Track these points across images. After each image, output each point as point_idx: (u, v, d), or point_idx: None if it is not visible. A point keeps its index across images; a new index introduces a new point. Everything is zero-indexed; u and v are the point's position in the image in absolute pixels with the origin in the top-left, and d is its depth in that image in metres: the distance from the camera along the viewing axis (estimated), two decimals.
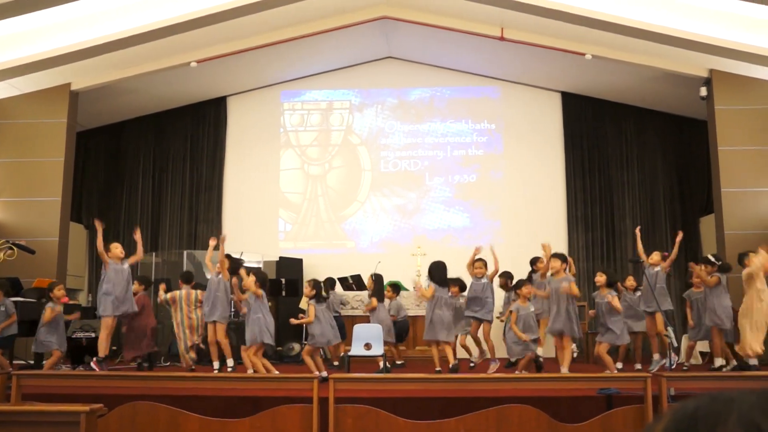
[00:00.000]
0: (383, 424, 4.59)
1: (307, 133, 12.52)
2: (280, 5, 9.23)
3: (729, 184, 9.63)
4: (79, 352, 8.37)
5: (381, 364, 7.60)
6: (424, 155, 12.24)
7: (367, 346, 7.50)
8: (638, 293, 8.04)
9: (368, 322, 8.10)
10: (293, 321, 7.54)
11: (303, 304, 9.39)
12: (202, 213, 12.26)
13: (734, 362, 7.55)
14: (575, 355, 8.21)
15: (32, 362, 7.97)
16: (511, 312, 7.27)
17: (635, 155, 12.01)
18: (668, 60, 9.87)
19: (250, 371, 6.87)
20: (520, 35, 10.06)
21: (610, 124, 12.12)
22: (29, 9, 8.43)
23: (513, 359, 7.60)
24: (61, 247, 9.93)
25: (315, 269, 10.88)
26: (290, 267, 11.09)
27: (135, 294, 7.87)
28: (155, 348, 8.30)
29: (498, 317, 8.55)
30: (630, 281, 8.21)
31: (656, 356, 7.56)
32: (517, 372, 7.00)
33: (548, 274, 7.36)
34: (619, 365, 7.70)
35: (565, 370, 7.05)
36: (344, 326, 8.80)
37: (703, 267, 7.63)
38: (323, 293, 7.37)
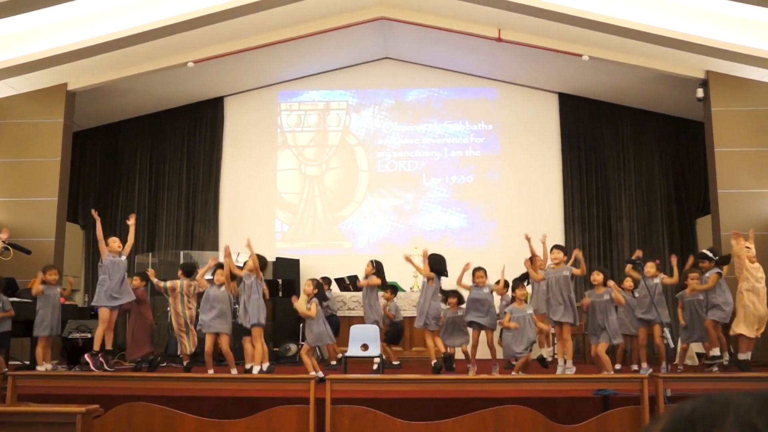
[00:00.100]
0: (380, 424, 4.59)
1: (304, 134, 12.52)
2: (278, 6, 9.22)
3: (725, 186, 9.65)
4: (76, 352, 8.35)
5: (377, 361, 7.58)
6: (421, 156, 12.25)
7: (364, 347, 7.50)
8: (636, 295, 8.04)
9: (364, 323, 8.11)
10: (295, 301, 7.53)
11: (300, 305, 9.38)
12: (199, 213, 12.25)
13: (726, 355, 7.61)
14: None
15: (28, 362, 7.95)
16: (505, 313, 7.29)
17: (632, 156, 12.03)
18: (665, 61, 9.90)
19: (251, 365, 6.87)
20: (517, 36, 10.08)
21: (607, 125, 12.14)
22: (26, 8, 8.41)
23: (513, 361, 7.61)
24: (57, 248, 9.91)
25: (312, 270, 10.88)
26: (287, 267, 11.08)
27: (136, 289, 7.93)
28: (155, 352, 8.25)
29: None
30: (628, 282, 8.22)
31: (644, 365, 7.56)
32: (513, 373, 7.00)
33: (548, 264, 7.40)
34: (618, 366, 7.73)
35: (569, 363, 7.06)
36: (339, 326, 8.82)
37: (697, 275, 7.70)
38: (324, 293, 7.42)
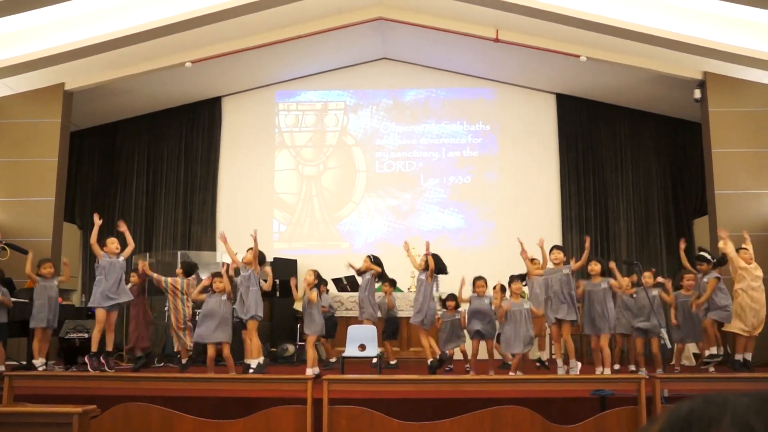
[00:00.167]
0: (377, 425, 4.59)
1: (301, 134, 12.51)
2: (276, 6, 9.21)
3: (723, 186, 9.67)
4: (72, 352, 8.34)
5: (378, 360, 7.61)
6: (418, 156, 12.25)
7: (362, 347, 7.50)
8: (634, 296, 8.04)
9: (361, 323, 8.13)
10: (293, 282, 7.59)
11: (297, 305, 9.39)
12: (197, 213, 12.25)
13: (722, 349, 7.63)
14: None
15: (25, 363, 7.94)
16: (501, 307, 7.31)
17: (629, 157, 12.05)
18: (662, 62, 9.91)
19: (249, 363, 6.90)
20: (515, 37, 10.08)
21: (605, 126, 12.16)
22: (23, 8, 8.40)
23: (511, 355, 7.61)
24: (54, 248, 9.89)
25: (303, 271, 10.85)
26: (284, 268, 11.06)
27: (133, 286, 7.96)
28: (150, 347, 8.30)
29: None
30: (625, 282, 8.22)
31: (643, 370, 7.57)
32: (511, 373, 7.01)
33: (548, 265, 7.42)
34: (616, 366, 7.73)
35: (573, 362, 7.07)
36: (336, 326, 8.83)
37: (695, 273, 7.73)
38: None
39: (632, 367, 7.84)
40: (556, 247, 7.44)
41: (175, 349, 7.91)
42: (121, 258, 7.44)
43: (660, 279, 8.12)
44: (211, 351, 7.21)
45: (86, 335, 8.19)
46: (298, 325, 9.58)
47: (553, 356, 7.97)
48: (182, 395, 5.28)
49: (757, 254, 8.30)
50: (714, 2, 8.58)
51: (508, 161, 12.11)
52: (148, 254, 11.29)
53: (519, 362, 7.11)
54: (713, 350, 7.53)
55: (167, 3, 9.05)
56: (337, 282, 10.13)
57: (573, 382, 5.77)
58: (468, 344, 8.32)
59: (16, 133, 10.11)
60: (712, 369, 7.48)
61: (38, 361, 7.54)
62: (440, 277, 7.90)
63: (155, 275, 8.10)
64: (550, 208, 11.94)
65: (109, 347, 7.26)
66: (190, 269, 8.38)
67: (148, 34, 9.25)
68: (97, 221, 7.41)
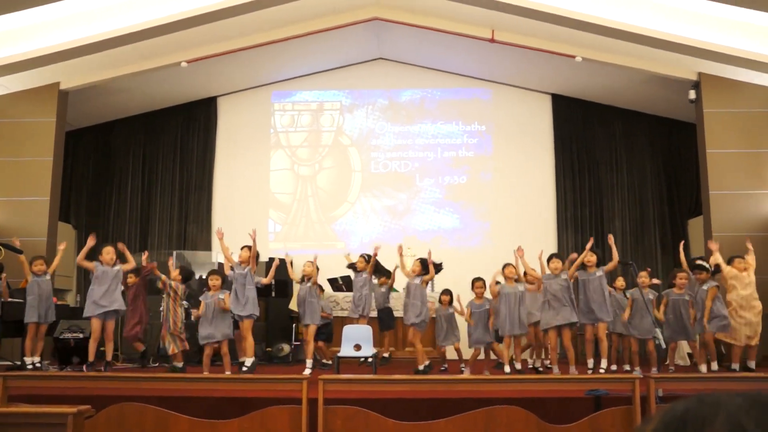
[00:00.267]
0: (372, 425, 4.59)
1: (297, 134, 12.51)
2: (271, 6, 9.21)
3: (717, 187, 9.70)
4: (67, 352, 8.32)
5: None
6: (414, 156, 12.25)
7: (357, 347, 7.50)
8: (627, 296, 8.05)
9: (356, 323, 8.13)
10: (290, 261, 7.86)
11: (292, 305, 9.39)
12: (192, 213, 12.22)
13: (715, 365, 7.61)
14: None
15: (18, 363, 7.92)
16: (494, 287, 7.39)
17: (624, 158, 12.07)
18: (657, 63, 9.93)
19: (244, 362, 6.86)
20: (511, 37, 10.09)
21: (600, 127, 12.18)
22: (18, 7, 8.38)
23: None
24: (49, 247, 9.86)
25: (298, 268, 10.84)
26: (280, 268, 11.02)
27: (131, 287, 7.95)
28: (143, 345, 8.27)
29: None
30: (620, 282, 8.24)
31: (637, 369, 7.59)
32: (506, 370, 7.01)
33: (547, 273, 7.42)
34: (613, 367, 7.74)
35: (573, 369, 7.07)
36: (332, 331, 8.82)
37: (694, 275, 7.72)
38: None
39: (627, 367, 7.86)
40: (555, 256, 7.44)
41: (170, 353, 7.85)
42: (116, 268, 7.38)
43: (655, 281, 8.14)
44: (208, 349, 7.24)
45: (81, 335, 8.16)
46: (294, 325, 9.58)
47: (549, 364, 7.96)
48: (178, 395, 5.28)
49: (754, 253, 8.33)
50: (709, 3, 8.61)
51: (504, 161, 12.12)
52: (143, 254, 11.26)
53: (526, 345, 7.17)
54: (714, 366, 7.54)
55: (163, 2, 9.04)
56: (333, 282, 10.12)
57: (568, 382, 5.78)
58: (464, 344, 8.32)
59: (10, 133, 10.09)
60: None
61: (29, 359, 7.50)
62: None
63: (163, 277, 8.04)
64: (546, 208, 11.96)
65: (108, 356, 7.22)
66: (188, 277, 8.35)
67: (144, 34, 9.23)
68: (91, 242, 7.38)
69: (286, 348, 9.35)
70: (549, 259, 7.43)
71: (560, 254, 7.58)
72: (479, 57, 11.32)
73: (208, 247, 11.84)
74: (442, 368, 8.29)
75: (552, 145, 12.11)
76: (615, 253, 7.40)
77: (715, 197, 9.69)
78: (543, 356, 8.38)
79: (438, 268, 7.96)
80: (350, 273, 9.08)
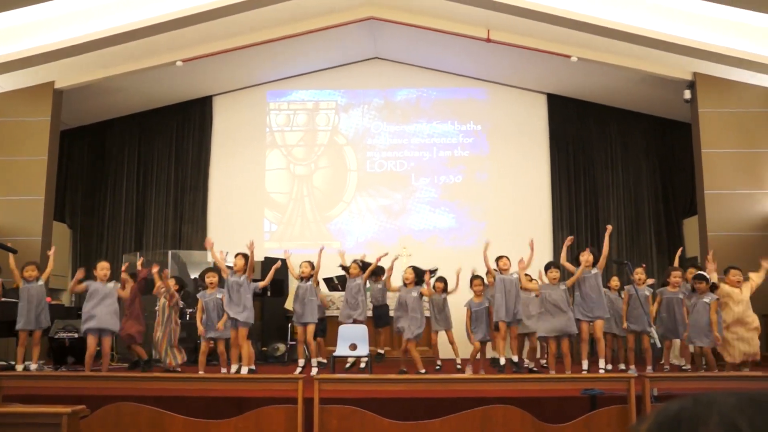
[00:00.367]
0: (368, 424, 4.59)
1: (293, 133, 12.50)
2: (267, 5, 9.19)
3: (712, 186, 9.72)
4: (62, 352, 8.30)
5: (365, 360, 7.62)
6: (410, 156, 12.25)
7: (353, 346, 7.50)
8: (622, 296, 8.05)
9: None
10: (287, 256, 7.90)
11: (288, 304, 9.38)
12: (187, 213, 12.21)
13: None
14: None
15: (13, 363, 7.89)
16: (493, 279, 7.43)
17: (620, 157, 12.09)
18: (653, 63, 9.95)
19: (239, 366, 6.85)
20: (506, 37, 10.10)
21: (595, 126, 12.20)
22: (13, 5, 8.35)
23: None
24: (44, 247, 9.81)
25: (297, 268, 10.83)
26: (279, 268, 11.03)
27: (126, 284, 7.94)
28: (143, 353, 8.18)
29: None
30: (614, 282, 8.25)
31: (632, 367, 7.59)
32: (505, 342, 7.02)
33: (545, 282, 7.42)
34: (609, 366, 7.74)
35: (568, 371, 7.07)
36: (326, 321, 8.83)
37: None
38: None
39: (622, 366, 7.88)
40: (553, 265, 7.41)
41: (169, 365, 7.79)
42: (110, 285, 7.33)
43: (650, 280, 8.15)
44: (204, 346, 7.27)
45: (76, 335, 8.15)
46: (289, 325, 9.57)
47: (545, 363, 7.98)
48: (173, 395, 5.27)
49: (747, 254, 8.34)
50: (704, 4, 8.63)
51: (499, 161, 12.13)
52: (138, 253, 11.24)
53: (506, 333, 7.21)
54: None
55: (158, 2, 9.02)
56: (328, 281, 10.11)
57: (563, 381, 5.79)
58: (463, 343, 8.28)
59: (5, 132, 10.06)
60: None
61: (20, 367, 7.44)
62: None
63: (159, 282, 7.97)
64: (541, 207, 11.97)
65: (104, 369, 7.16)
66: (183, 285, 8.31)
67: (139, 33, 9.21)
68: (79, 275, 7.42)
69: (282, 347, 9.35)
70: (547, 269, 7.40)
71: (558, 263, 7.51)
72: (475, 56, 11.33)
73: (203, 246, 11.79)
74: (437, 367, 8.29)
75: (547, 145, 12.13)
76: (606, 245, 7.38)
77: (710, 197, 9.71)
78: (539, 356, 8.39)
79: (432, 273, 8.01)
80: (344, 272, 9.06)
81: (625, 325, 7.75)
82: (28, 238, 9.62)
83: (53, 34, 9.14)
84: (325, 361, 8.41)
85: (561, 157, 12.07)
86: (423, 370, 7.45)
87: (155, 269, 7.89)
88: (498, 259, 7.61)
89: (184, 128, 12.48)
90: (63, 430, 3.64)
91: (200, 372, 7.20)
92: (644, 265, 8.19)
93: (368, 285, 8.52)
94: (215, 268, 7.59)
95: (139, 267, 8.23)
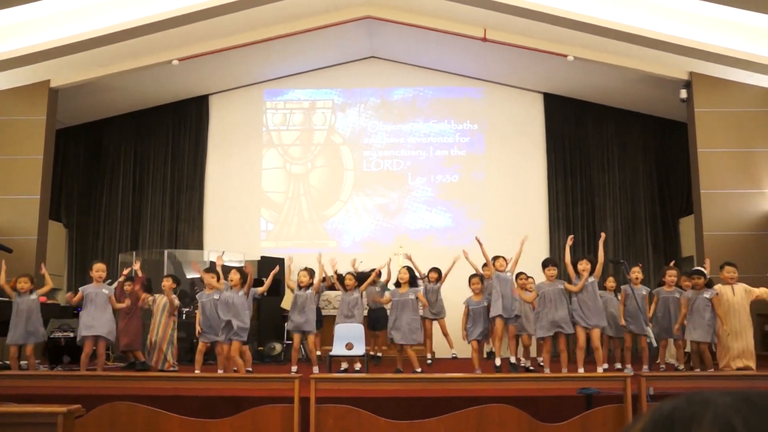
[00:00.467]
0: (364, 423, 4.58)
1: (289, 133, 12.48)
2: (264, 4, 9.19)
3: (708, 186, 9.74)
4: (58, 351, 8.28)
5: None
6: (406, 155, 12.25)
7: (349, 345, 7.49)
8: (618, 297, 8.04)
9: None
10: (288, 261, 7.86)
11: (284, 303, 9.37)
12: (184, 212, 12.19)
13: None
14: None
15: (8, 362, 7.86)
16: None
17: (616, 156, 12.11)
18: (649, 62, 9.96)
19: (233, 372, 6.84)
20: (503, 36, 10.10)
21: (592, 126, 12.21)
22: (8, 4, 8.33)
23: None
24: (39, 246, 9.82)
25: (297, 269, 10.82)
26: (272, 266, 10.99)
27: (130, 294, 7.91)
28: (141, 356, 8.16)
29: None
30: (610, 283, 8.23)
31: (628, 366, 7.59)
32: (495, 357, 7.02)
33: (542, 280, 7.42)
34: (605, 365, 7.74)
35: (564, 370, 7.07)
36: (321, 315, 8.86)
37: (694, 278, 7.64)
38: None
39: (618, 365, 7.88)
40: (551, 263, 7.41)
41: (166, 367, 7.79)
42: (106, 291, 7.29)
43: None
44: (201, 345, 7.28)
45: (71, 334, 8.13)
46: (286, 324, 9.56)
47: (541, 362, 7.98)
48: (169, 394, 5.26)
49: (743, 253, 8.36)
50: (700, 3, 8.64)
51: (496, 160, 12.13)
52: (134, 252, 11.23)
53: (502, 330, 7.22)
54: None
55: (155, 1, 9.00)
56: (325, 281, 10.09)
57: (559, 380, 5.79)
58: (462, 343, 8.26)
59: (0, 131, 10.03)
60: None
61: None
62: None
63: (151, 299, 7.97)
64: (538, 207, 11.98)
65: (99, 369, 7.13)
66: (178, 283, 8.25)
67: (135, 32, 9.19)
68: (70, 298, 7.45)
69: (278, 347, 9.34)
70: (545, 266, 7.38)
71: (555, 260, 7.51)
72: (472, 56, 11.33)
73: (199, 246, 11.81)
74: (428, 362, 8.24)
75: (544, 144, 12.13)
76: (601, 254, 7.36)
77: (706, 196, 9.72)
78: (535, 354, 8.40)
79: (425, 278, 8.07)
80: (346, 271, 9.04)
81: (623, 322, 7.74)
82: (23, 237, 9.60)
83: (49, 32, 9.11)
84: (319, 352, 8.39)
85: (557, 156, 12.08)
86: (419, 369, 7.45)
87: (137, 266, 7.92)
88: (494, 259, 7.60)
89: (180, 127, 12.46)
90: (58, 430, 3.63)
91: (196, 371, 7.17)
92: (640, 264, 8.19)
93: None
94: (214, 269, 7.55)
95: (136, 268, 8.20)
